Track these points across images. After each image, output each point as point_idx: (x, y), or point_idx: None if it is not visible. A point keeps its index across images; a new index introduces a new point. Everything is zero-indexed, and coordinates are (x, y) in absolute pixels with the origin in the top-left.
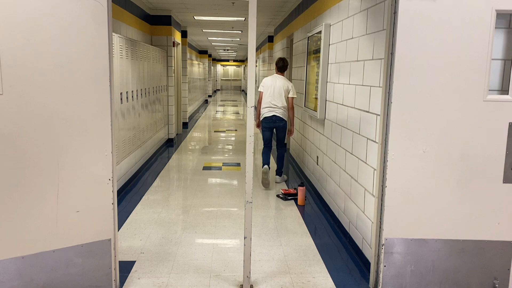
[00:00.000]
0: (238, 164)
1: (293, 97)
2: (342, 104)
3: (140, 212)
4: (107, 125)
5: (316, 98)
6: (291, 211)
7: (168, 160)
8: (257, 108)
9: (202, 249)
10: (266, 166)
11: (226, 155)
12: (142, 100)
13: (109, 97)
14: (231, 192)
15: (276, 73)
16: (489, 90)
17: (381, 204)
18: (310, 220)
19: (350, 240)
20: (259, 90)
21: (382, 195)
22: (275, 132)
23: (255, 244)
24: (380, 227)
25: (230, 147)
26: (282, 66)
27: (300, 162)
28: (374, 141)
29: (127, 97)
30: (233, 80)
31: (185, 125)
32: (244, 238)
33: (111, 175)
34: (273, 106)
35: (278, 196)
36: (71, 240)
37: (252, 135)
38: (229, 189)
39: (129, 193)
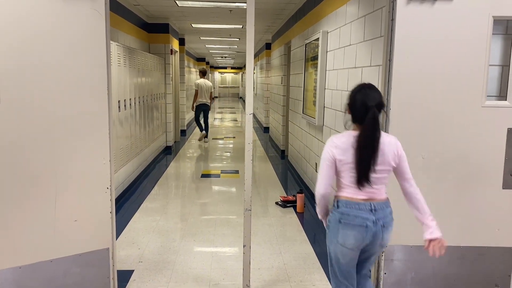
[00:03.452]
0: (237, 172)
1: (212, 91)
2: (341, 111)
3: (138, 221)
4: (105, 133)
5: (314, 105)
6: (290, 218)
7: (166, 168)
8: (194, 99)
9: (201, 258)
10: (203, 131)
11: (225, 162)
12: (140, 108)
13: (107, 105)
14: (229, 200)
15: (202, 78)
16: (487, 96)
17: None
18: (310, 228)
19: None
20: (195, 88)
21: None
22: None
23: (254, 252)
24: None
25: (228, 154)
26: (204, 73)
27: (299, 169)
28: None
29: (125, 105)
30: (231, 87)
31: (183, 132)
32: (244, 247)
33: (109, 184)
34: (204, 97)
35: (277, 203)
36: (69, 249)
37: (251, 143)
38: (227, 196)
39: (127, 201)
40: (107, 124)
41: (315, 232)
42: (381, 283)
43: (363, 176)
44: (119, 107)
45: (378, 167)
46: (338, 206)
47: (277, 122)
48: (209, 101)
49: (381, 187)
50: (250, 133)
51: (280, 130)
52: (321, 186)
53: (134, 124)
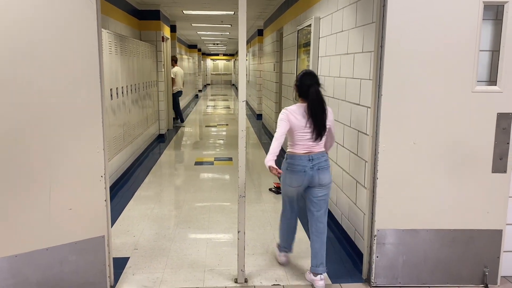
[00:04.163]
0: (230, 159)
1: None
2: (333, 97)
3: (133, 208)
4: (98, 122)
5: None
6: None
7: (160, 156)
8: (172, 86)
9: (196, 244)
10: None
11: (218, 149)
12: (132, 96)
13: (100, 94)
14: (223, 187)
15: (176, 65)
16: (477, 81)
17: (373, 196)
18: (303, 213)
19: (342, 232)
20: (172, 76)
21: (373, 187)
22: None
23: (248, 237)
24: (372, 219)
25: (222, 141)
26: (176, 60)
27: None
28: (365, 134)
29: (117, 93)
30: (223, 74)
31: (176, 120)
32: (238, 232)
33: (103, 172)
34: (180, 85)
35: (270, 189)
36: (65, 237)
37: (244, 130)
38: (221, 183)
39: (121, 189)
40: (100, 112)
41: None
42: (373, 266)
43: (318, 135)
44: (111, 95)
45: (316, 144)
46: (286, 159)
47: (270, 109)
48: (183, 88)
49: (322, 142)
50: (243, 121)
51: (273, 117)
52: (279, 136)
53: (127, 112)
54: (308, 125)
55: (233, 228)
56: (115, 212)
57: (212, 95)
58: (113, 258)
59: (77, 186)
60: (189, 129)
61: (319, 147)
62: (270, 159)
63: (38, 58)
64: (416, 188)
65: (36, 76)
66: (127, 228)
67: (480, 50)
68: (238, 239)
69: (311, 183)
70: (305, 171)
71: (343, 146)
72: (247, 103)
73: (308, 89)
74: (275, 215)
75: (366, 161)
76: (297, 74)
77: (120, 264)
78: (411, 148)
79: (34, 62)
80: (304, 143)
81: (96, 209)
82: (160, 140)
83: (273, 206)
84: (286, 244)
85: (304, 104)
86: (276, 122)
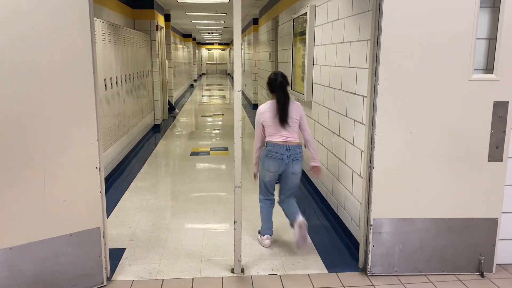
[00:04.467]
0: (226, 149)
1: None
2: (329, 87)
3: (128, 199)
4: (92, 112)
5: (303, 81)
6: None
7: (155, 146)
8: None
9: (192, 235)
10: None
11: (214, 140)
12: (127, 86)
13: (93, 84)
14: (220, 177)
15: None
16: (474, 69)
17: (369, 185)
18: (299, 203)
19: (338, 221)
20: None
21: (370, 176)
22: None
23: (245, 227)
24: (368, 208)
25: (217, 131)
26: None
27: None
28: (361, 123)
29: (111, 83)
30: (218, 64)
31: (171, 110)
32: (235, 223)
33: (98, 163)
34: None
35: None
36: (60, 229)
37: (240, 120)
38: (217, 174)
39: (116, 180)
40: (94, 102)
41: (305, 207)
42: (369, 255)
43: (283, 120)
44: (105, 85)
45: (289, 119)
46: (266, 146)
47: (265, 98)
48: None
49: (294, 133)
50: (239, 111)
51: None
52: (257, 142)
53: (121, 102)
54: (277, 113)
55: (229, 218)
56: (111, 203)
57: (207, 84)
58: (109, 249)
59: (72, 178)
60: (184, 119)
61: (294, 138)
62: (254, 167)
63: (30, 47)
64: (412, 177)
65: (28, 67)
66: (123, 219)
67: (477, 38)
68: (235, 229)
69: (285, 171)
70: (282, 159)
71: (339, 136)
72: (242, 93)
73: (275, 83)
74: None
75: (362, 151)
76: (269, 75)
77: (116, 255)
78: (408, 137)
79: (26, 51)
80: (280, 133)
81: (91, 200)
82: (156, 130)
83: None
84: (267, 228)
85: (274, 100)
86: None
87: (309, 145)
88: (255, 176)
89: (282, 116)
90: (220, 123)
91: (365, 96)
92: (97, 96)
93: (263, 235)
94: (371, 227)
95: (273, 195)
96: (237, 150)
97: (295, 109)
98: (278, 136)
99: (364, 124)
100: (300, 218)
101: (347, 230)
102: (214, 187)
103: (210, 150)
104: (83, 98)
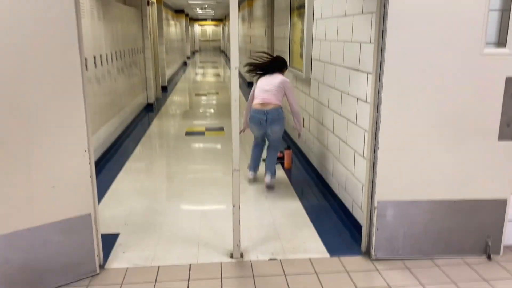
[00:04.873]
0: (222, 129)
1: None
2: (329, 63)
3: (122, 182)
4: (79, 92)
5: (301, 57)
6: (278, 175)
7: (149, 126)
8: None
9: (189, 218)
10: None
11: (209, 119)
12: (118, 64)
13: (79, 61)
14: (216, 158)
15: None
16: (486, 43)
17: (373, 166)
18: (298, 184)
19: (339, 203)
20: None
21: (374, 157)
22: None
23: (243, 210)
24: (372, 190)
25: (212, 110)
26: None
27: (285, 124)
28: (365, 101)
29: (101, 61)
30: (212, 40)
31: (164, 89)
32: (233, 207)
33: (87, 146)
34: None
35: (264, 160)
36: (48, 217)
37: (237, 99)
38: (214, 154)
39: (109, 162)
40: (81, 81)
41: (304, 188)
42: (373, 238)
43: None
44: (94, 63)
45: (271, 84)
46: (251, 111)
47: None
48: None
49: (272, 97)
50: (236, 90)
51: None
52: (248, 105)
53: (112, 81)
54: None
55: (226, 200)
56: (104, 186)
57: (201, 62)
58: (102, 235)
59: (59, 162)
60: (178, 98)
61: (273, 101)
62: (244, 123)
63: (11, 23)
64: (419, 158)
65: (10, 43)
66: (117, 202)
67: (490, 10)
68: (233, 213)
69: (265, 132)
70: (261, 123)
71: (340, 115)
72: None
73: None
74: None
75: (365, 131)
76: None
77: (109, 241)
78: (415, 115)
79: (5, 26)
80: (261, 95)
81: (81, 185)
82: (149, 109)
83: None
84: (252, 166)
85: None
86: None
87: (294, 117)
88: (241, 131)
89: (265, 72)
90: (214, 102)
91: (370, 73)
92: (84, 74)
93: (249, 171)
94: (375, 210)
95: (264, 141)
96: (234, 132)
97: (280, 80)
98: (258, 98)
99: (368, 103)
100: (267, 180)
101: (348, 212)
102: (210, 168)
103: (205, 130)
104: (68, 77)
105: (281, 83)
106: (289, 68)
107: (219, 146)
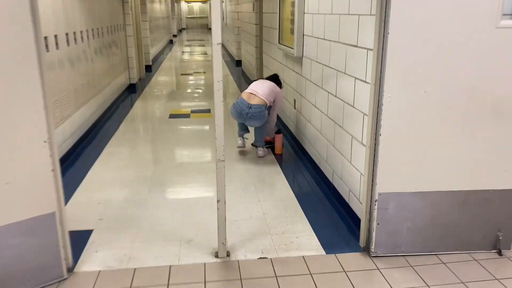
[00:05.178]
0: (208, 111)
1: None
2: (323, 39)
3: (99, 170)
4: (34, 75)
5: (292, 33)
6: (268, 161)
7: (131, 108)
8: None
9: (171, 211)
10: None
11: (196, 100)
12: (95, 42)
13: (34, 39)
14: (202, 143)
15: None
16: (503, 14)
17: (374, 154)
18: (289, 171)
19: (334, 192)
20: None
21: (375, 144)
22: None
23: (230, 201)
24: (372, 181)
25: (200, 91)
26: None
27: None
28: (364, 81)
29: (75, 38)
30: (199, 18)
31: (148, 68)
32: (218, 202)
33: (47, 136)
34: None
35: (253, 144)
36: (3, 218)
37: (221, 80)
38: (199, 139)
39: (86, 148)
40: (36, 62)
41: (295, 176)
42: (373, 234)
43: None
44: (67, 40)
45: (264, 82)
46: (237, 98)
47: (250, 54)
48: None
49: (259, 92)
50: (219, 69)
51: (253, 63)
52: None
53: (89, 60)
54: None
55: (212, 190)
56: (79, 174)
57: (188, 40)
58: (74, 231)
59: (13, 156)
60: (163, 78)
61: (259, 96)
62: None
63: None
64: (426, 145)
65: None
66: (92, 193)
67: None
68: (218, 209)
69: (244, 122)
70: (241, 114)
71: (335, 96)
72: (224, 48)
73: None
74: (259, 173)
75: (365, 114)
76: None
77: (81, 239)
78: (422, 97)
79: None
80: (252, 87)
81: (41, 181)
82: (131, 90)
83: (257, 164)
84: (242, 132)
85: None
86: (257, 70)
87: (269, 123)
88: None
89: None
90: (202, 82)
91: (370, 49)
92: (42, 53)
93: (238, 136)
94: (376, 203)
95: (243, 131)
96: (218, 117)
97: (274, 86)
98: (249, 89)
99: (368, 83)
100: (260, 153)
101: (344, 202)
102: (196, 155)
103: (191, 113)
104: (21, 57)
105: (276, 88)
106: (278, 46)
107: (205, 130)
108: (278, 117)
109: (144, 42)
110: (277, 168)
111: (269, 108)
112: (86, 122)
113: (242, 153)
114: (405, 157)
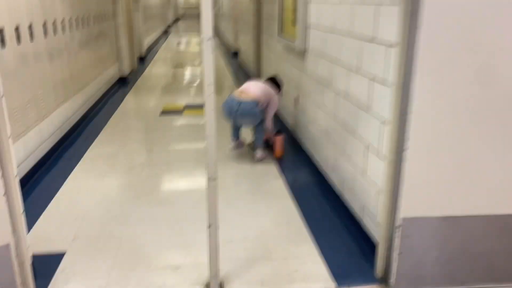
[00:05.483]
0: (203, 106)
1: None
2: (331, 32)
3: (78, 178)
4: None
5: (294, 25)
6: (267, 166)
7: (120, 104)
8: None
9: (156, 230)
10: None
11: (190, 95)
12: (79, 32)
13: None
14: (195, 144)
15: None
16: None
17: (399, 172)
18: (291, 178)
19: (343, 207)
20: None
21: (400, 160)
22: None
23: (224, 215)
24: (395, 204)
25: (195, 85)
26: None
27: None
28: (383, 83)
29: (54, 28)
30: (195, 8)
31: (141, 60)
32: (209, 227)
33: None
34: None
35: (250, 145)
36: None
37: (211, 84)
38: (193, 139)
39: (66, 151)
40: None
41: (298, 185)
42: (393, 264)
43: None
44: (45, 30)
45: (258, 83)
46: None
47: (247, 46)
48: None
49: (252, 89)
50: (210, 70)
51: (251, 56)
52: None
53: (71, 52)
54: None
55: (205, 204)
56: (55, 184)
57: (183, 31)
58: (41, 256)
59: None
60: (157, 70)
61: (251, 93)
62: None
63: None
64: (460, 162)
65: None
66: (67, 207)
67: None
68: (209, 235)
69: (235, 120)
70: (231, 113)
71: (345, 99)
72: (219, 40)
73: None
74: (257, 181)
75: (383, 122)
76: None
77: (49, 266)
78: (458, 105)
79: None
80: (245, 85)
81: None
82: (122, 83)
83: (254, 169)
84: (235, 134)
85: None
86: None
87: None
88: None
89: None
90: (197, 73)
91: (393, 46)
92: None
93: (231, 140)
94: (398, 229)
95: (236, 136)
96: (209, 127)
97: (268, 89)
98: (241, 86)
99: (387, 86)
100: (258, 155)
101: (355, 220)
102: (188, 159)
103: (185, 108)
104: None
105: (270, 91)
106: (278, 38)
107: (199, 129)
108: (276, 117)
109: (137, 32)
110: (277, 176)
111: (262, 112)
112: (68, 121)
113: (237, 156)
114: (437, 175)
